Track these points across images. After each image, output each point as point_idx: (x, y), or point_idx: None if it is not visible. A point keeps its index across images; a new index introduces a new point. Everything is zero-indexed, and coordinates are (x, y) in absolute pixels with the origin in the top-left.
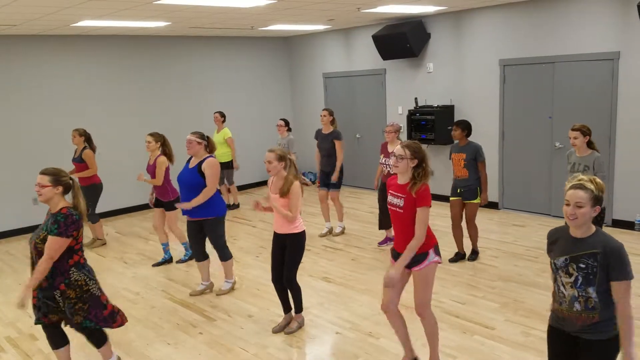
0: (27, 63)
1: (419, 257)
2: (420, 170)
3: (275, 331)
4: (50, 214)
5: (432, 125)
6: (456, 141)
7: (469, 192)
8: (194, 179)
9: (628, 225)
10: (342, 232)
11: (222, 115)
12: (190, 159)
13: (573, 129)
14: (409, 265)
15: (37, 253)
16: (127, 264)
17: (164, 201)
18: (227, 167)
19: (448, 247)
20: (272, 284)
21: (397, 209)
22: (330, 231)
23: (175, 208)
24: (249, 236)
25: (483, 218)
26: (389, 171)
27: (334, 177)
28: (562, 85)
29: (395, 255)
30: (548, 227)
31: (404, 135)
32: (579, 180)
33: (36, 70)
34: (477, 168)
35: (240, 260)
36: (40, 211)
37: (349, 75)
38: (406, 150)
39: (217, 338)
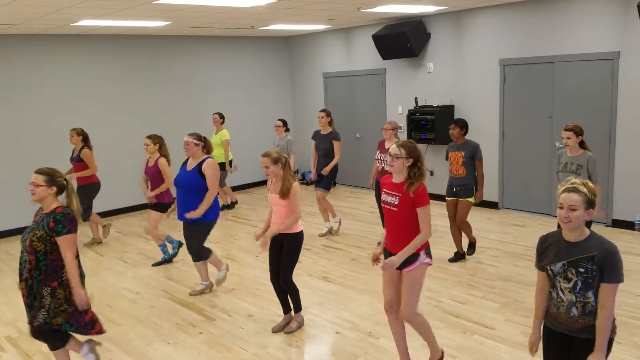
0: (27, 63)
1: (410, 258)
2: (416, 169)
3: (275, 331)
4: (42, 214)
5: (432, 125)
6: (453, 140)
7: (464, 190)
8: (194, 181)
9: (628, 225)
10: (340, 224)
11: (222, 116)
12: (186, 161)
13: (566, 129)
14: (400, 267)
15: (31, 251)
16: (127, 264)
17: (158, 202)
18: (221, 169)
19: (448, 247)
20: (271, 283)
21: (392, 207)
22: (330, 231)
23: (164, 211)
24: (249, 236)
25: (483, 218)
26: (383, 167)
27: (326, 170)
28: (562, 85)
29: (388, 255)
30: (548, 227)
31: (404, 135)
32: (572, 183)
33: (36, 70)
34: (474, 166)
35: (240, 260)
36: None
37: (349, 75)
38: (401, 149)
39: (217, 338)
